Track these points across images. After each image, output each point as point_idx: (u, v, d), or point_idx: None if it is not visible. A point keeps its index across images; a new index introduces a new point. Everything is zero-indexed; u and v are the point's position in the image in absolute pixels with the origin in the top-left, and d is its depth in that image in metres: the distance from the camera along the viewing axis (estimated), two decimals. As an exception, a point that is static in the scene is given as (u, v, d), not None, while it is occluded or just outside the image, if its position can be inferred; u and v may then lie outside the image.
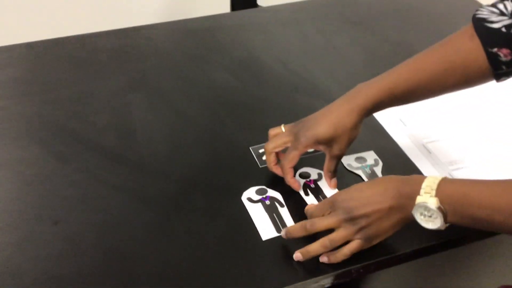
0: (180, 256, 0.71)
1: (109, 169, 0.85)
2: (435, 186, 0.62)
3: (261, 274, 0.69)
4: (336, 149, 0.77)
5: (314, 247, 0.69)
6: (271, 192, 0.80)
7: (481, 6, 0.73)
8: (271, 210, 0.77)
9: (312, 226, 0.69)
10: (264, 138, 0.90)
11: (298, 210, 0.77)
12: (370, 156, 0.86)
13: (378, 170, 0.84)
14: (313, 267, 0.69)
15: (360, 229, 0.67)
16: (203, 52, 1.16)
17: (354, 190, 0.70)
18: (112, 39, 1.20)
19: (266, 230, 0.74)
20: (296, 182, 0.80)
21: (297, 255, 0.69)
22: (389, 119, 0.94)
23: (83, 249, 0.72)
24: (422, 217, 0.64)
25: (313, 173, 0.84)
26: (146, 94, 1.02)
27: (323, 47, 1.18)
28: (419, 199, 0.63)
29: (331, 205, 0.69)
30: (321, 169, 0.83)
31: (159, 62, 1.13)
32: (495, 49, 0.69)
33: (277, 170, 0.81)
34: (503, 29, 0.68)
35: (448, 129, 0.92)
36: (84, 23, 1.76)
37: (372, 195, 0.67)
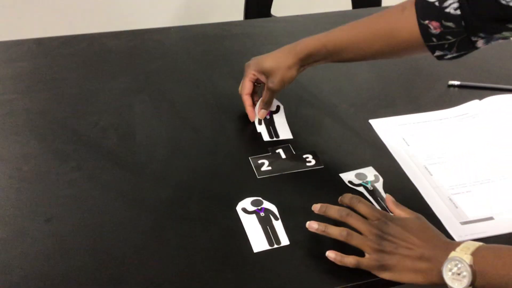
0: (171, 262, 0.70)
1: (106, 170, 0.85)
2: (472, 247, 0.62)
3: (250, 285, 0.68)
4: (270, 82, 0.90)
5: (332, 229, 0.70)
6: (267, 204, 0.79)
7: None
8: (265, 222, 0.76)
9: (347, 216, 0.69)
10: (265, 150, 0.90)
11: (293, 224, 0.76)
12: (370, 172, 0.85)
13: (380, 186, 0.83)
14: (301, 283, 0.68)
15: (381, 251, 0.66)
16: (211, 58, 1.16)
17: (409, 223, 0.68)
18: (121, 40, 1.20)
19: (258, 242, 0.73)
20: (252, 112, 0.95)
21: (312, 225, 0.71)
22: (392, 137, 0.93)
23: (74, 249, 0.72)
24: (450, 272, 0.61)
25: (272, 106, 0.97)
26: (150, 97, 1.02)
27: (332, 61, 1.17)
28: (452, 254, 0.62)
29: (379, 217, 0.69)
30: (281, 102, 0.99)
31: (165, 65, 1.13)
32: (426, 21, 0.74)
33: (251, 113, 0.95)
34: (437, 3, 0.72)
35: (451, 153, 0.90)
36: (97, 23, 1.78)
37: (419, 232, 0.66)
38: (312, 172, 0.86)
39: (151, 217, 0.77)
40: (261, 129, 0.94)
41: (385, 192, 0.81)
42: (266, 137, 0.93)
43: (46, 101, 0.99)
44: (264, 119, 0.96)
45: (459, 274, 0.60)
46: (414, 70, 1.15)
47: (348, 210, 0.70)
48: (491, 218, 0.77)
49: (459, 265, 0.60)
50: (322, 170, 0.86)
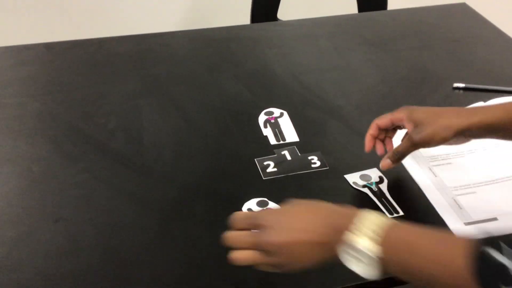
0: (177, 261, 0.72)
1: (114, 171, 0.86)
2: (377, 230, 0.55)
3: (253, 284, 0.69)
4: (416, 132, 0.75)
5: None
6: (272, 205, 0.80)
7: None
8: (271, 223, 0.77)
9: (229, 238, 0.62)
10: (270, 151, 0.91)
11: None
12: (375, 173, 0.86)
13: (384, 187, 0.84)
14: (301, 282, 0.69)
15: (275, 263, 0.60)
16: (217, 61, 1.17)
17: (281, 213, 0.62)
18: (129, 44, 1.22)
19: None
20: (370, 141, 0.81)
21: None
22: (397, 139, 0.94)
23: (82, 248, 0.73)
24: (353, 259, 0.56)
25: (276, 111, 0.99)
26: (157, 100, 1.04)
27: (337, 64, 1.18)
28: (352, 239, 0.55)
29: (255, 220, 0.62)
30: (285, 108, 1.00)
31: (172, 69, 1.14)
32: None
33: (369, 142, 0.82)
34: None
35: (455, 154, 0.91)
36: (105, 28, 1.80)
37: (291, 230, 0.59)
38: (317, 173, 0.87)
39: (158, 217, 0.78)
40: (267, 132, 0.95)
41: (390, 193, 0.82)
42: (272, 140, 0.94)
43: (56, 104, 1.01)
44: (269, 123, 0.97)
45: (365, 263, 0.55)
46: (419, 73, 1.15)
47: (230, 232, 0.63)
48: (495, 219, 0.78)
49: (362, 254, 0.55)
50: (327, 172, 0.87)
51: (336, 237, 0.57)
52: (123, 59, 1.16)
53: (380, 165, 0.81)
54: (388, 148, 0.83)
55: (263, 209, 0.72)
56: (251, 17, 1.70)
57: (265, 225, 0.60)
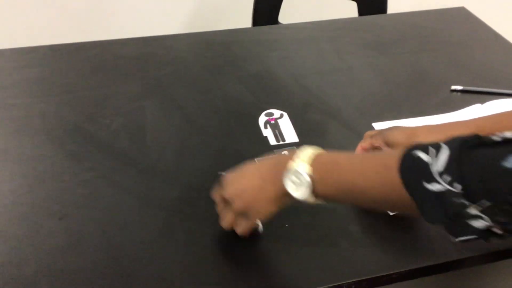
0: (180, 258, 0.73)
1: (118, 170, 0.88)
2: (311, 155, 0.63)
3: (254, 282, 0.70)
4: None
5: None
6: None
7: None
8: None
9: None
10: (270, 152, 0.92)
11: (298, 223, 0.79)
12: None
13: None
14: (305, 279, 0.71)
15: (238, 209, 0.69)
16: (220, 64, 1.19)
17: (235, 173, 0.71)
18: (132, 46, 1.24)
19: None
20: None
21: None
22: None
23: (86, 245, 0.75)
24: (291, 183, 0.63)
25: (276, 113, 1.01)
26: (160, 101, 1.05)
27: (338, 67, 1.20)
28: (291, 165, 0.63)
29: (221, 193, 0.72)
30: (285, 109, 1.02)
31: (175, 71, 1.16)
32: None
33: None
34: None
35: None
36: (109, 30, 1.81)
37: (243, 177, 0.70)
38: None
39: (161, 215, 0.80)
40: (268, 133, 0.97)
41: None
42: (272, 141, 0.95)
43: (61, 105, 1.03)
44: (269, 124, 0.98)
45: (300, 184, 0.62)
46: (417, 76, 1.17)
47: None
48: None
49: (298, 175, 0.62)
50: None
51: (280, 169, 0.64)
52: (127, 61, 1.18)
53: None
54: None
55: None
56: (252, 21, 1.72)
57: (224, 186, 0.71)
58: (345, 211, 0.81)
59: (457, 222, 0.51)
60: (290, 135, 0.97)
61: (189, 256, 0.74)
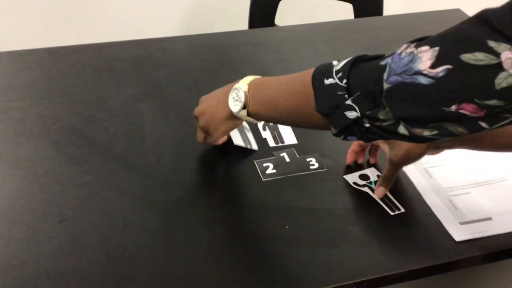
0: (179, 262, 0.73)
1: (116, 173, 0.88)
2: (252, 79, 0.75)
3: (254, 285, 0.70)
4: (393, 153, 0.81)
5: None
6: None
7: None
8: (270, 223, 0.79)
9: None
10: (269, 154, 0.93)
11: (296, 224, 0.79)
12: (373, 173, 0.88)
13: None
14: (305, 280, 0.71)
15: (201, 125, 0.84)
16: (217, 66, 1.19)
17: (204, 97, 0.87)
18: (129, 48, 1.24)
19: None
20: (352, 156, 0.90)
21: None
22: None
23: (86, 248, 0.75)
24: (232, 100, 0.76)
25: None
26: (158, 103, 1.05)
27: (334, 68, 1.20)
28: (235, 85, 0.76)
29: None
30: None
31: (172, 73, 1.16)
32: None
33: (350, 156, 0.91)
34: None
35: (450, 155, 0.93)
36: (105, 33, 1.81)
37: (208, 98, 0.85)
38: (315, 174, 0.89)
39: (160, 217, 0.80)
40: (266, 135, 0.97)
41: (389, 192, 0.84)
42: (271, 142, 0.96)
43: (58, 108, 1.03)
44: (268, 126, 0.99)
45: (238, 100, 0.75)
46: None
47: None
48: (489, 219, 0.80)
49: (237, 92, 0.75)
50: (325, 173, 0.89)
51: (228, 92, 0.78)
52: (124, 64, 1.18)
53: (376, 194, 0.84)
54: (371, 160, 0.91)
55: None
56: (249, 23, 1.73)
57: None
58: (344, 212, 0.82)
59: (336, 112, 0.61)
60: (288, 137, 0.97)
61: (189, 258, 0.74)
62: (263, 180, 0.87)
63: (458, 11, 1.47)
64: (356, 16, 1.74)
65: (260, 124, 1.00)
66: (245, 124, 0.95)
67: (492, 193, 0.85)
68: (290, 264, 0.73)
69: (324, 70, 0.64)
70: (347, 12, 1.76)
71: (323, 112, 0.63)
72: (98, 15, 2.02)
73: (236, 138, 0.92)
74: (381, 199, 0.83)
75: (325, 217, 0.80)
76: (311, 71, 0.66)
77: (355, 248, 0.75)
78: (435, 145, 0.80)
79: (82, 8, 1.98)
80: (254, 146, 0.93)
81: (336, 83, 0.61)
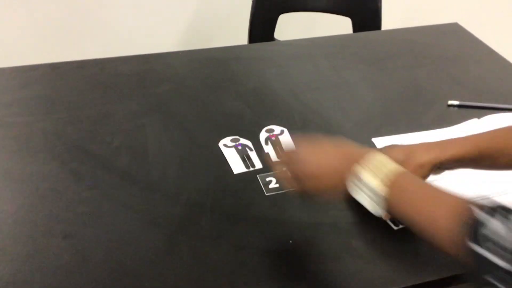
0: (184, 276, 0.73)
1: (120, 188, 0.88)
2: (388, 174, 0.64)
3: (261, 298, 0.71)
4: None
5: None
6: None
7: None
8: (274, 237, 0.79)
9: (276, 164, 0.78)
10: (271, 168, 0.93)
11: (302, 238, 0.79)
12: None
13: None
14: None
15: (306, 188, 0.72)
16: (218, 80, 1.20)
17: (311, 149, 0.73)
18: (132, 64, 1.25)
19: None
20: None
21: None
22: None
23: (90, 263, 0.75)
24: (365, 196, 0.66)
25: (277, 129, 1.02)
26: (161, 118, 1.06)
27: (335, 82, 1.21)
28: (369, 180, 0.64)
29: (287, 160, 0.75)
30: (285, 125, 1.03)
31: (175, 87, 1.17)
32: None
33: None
34: None
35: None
36: (108, 49, 1.82)
37: (318, 160, 0.71)
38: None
39: (164, 232, 0.80)
40: (269, 149, 0.98)
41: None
42: (274, 157, 0.96)
43: (62, 123, 1.03)
44: (270, 140, 0.99)
45: (371, 198, 0.65)
46: (414, 90, 1.19)
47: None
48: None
49: (374, 192, 0.64)
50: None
51: (348, 166, 0.67)
52: (127, 79, 1.19)
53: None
54: None
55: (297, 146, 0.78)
56: (248, 38, 1.74)
57: (300, 159, 0.72)
58: (348, 226, 0.82)
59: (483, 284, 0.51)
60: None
61: (192, 273, 0.74)
62: (266, 194, 0.88)
63: (455, 25, 1.49)
64: (354, 30, 1.76)
65: (263, 138, 1.00)
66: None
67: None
68: (295, 278, 0.73)
69: (491, 242, 0.52)
70: (346, 26, 1.77)
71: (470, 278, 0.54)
72: (100, 31, 2.03)
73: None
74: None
75: (328, 232, 0.81)
76: (461, 212, 0.56)
77: (358, 262, 0.76)
78: (437, 166, 0.80)
79: (84, 24, 2.00)
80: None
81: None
